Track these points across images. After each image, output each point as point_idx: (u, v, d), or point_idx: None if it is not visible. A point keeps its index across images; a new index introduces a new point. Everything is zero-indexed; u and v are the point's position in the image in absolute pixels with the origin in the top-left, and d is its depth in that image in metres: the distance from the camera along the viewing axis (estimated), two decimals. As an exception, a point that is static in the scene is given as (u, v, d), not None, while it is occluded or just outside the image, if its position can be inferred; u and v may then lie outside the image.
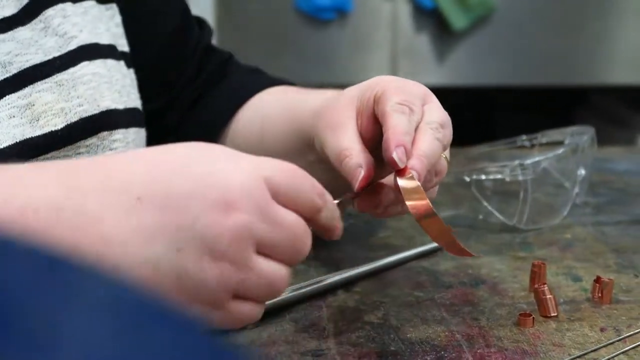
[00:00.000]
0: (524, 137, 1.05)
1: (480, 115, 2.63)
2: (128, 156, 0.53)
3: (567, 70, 2.35)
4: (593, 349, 0.65)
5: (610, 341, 0.66)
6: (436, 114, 0.67)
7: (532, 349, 0.65)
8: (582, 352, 0.65)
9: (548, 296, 0.71)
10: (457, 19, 2.28)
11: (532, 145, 1.05)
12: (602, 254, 0.84)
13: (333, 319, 0.69)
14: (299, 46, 2.32)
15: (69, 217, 0.49)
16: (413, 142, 0.65)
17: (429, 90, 0.70)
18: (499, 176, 0.90)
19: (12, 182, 0.50)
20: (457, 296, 0.74)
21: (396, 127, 0.64)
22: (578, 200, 0.97)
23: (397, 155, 0.63)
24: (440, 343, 0.66)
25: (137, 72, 0.86)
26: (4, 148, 0.69)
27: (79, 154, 0.75)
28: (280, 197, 0.53)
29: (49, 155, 0.72)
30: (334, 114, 0.69)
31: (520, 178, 0.89)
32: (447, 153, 0.70)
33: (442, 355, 0.64)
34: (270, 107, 0.86)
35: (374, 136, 0.68)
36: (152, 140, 0.87)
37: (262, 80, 0.92)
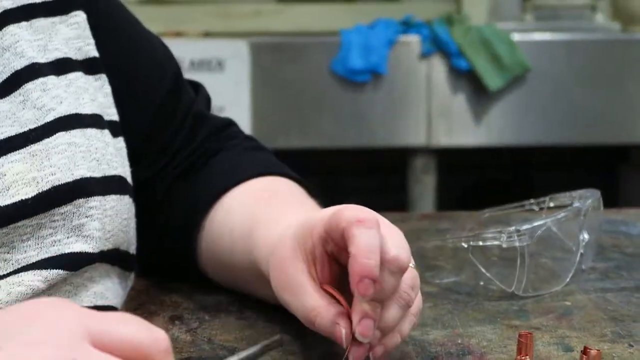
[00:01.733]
0: (532, 200, 1.04)
1: (518, 174, 2.61)
2: None
3: (605, 129, 2.32)
4: None
5: (590, 416, 0.64)
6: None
7: None
8: None
9: (530, 368, 0.69)
10: (493, 79, 2.27)
11: (541, 209, 1.03)
12: (599, 323, 0.81)
13: None
14: (335, 109, 2.33)
15: None
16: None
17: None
18: (496, 242, 0.88)
19: None
20: (440, 367, 0.73)
21: (361, 249, 0.62)
22: (584, 265, 0.95)
23: (359, 291, 0.62)
24: (414, 417, 0.65)
25: (127, 140, 0.87)
26: None
27: (54, 221, 0.75)
28: (99, 345, 0.50)
29: (19, 224, 0.73)
30: (284, 274, 0.69)
31: (517, 244, 0.87)
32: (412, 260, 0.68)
33: None
34: (236, 223, 0.85)
35: (337, 273, 0.68)
36: (141, 211, 0.87)
37: (248, 168, 0.90)
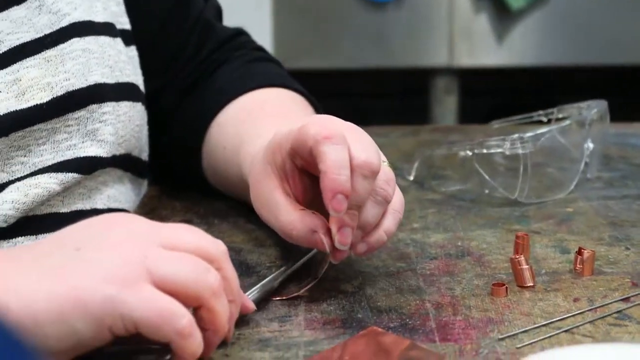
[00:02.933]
0: (540, 112, 1.04)
1: (540, 96, 2.60)
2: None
3: (628, 50, 2.30)
4: (559, 318, 0.65)
5: (579, 311, 0.66)
6: (362, 153, 0.65)
7: (498, 318, 0.65)
8: (547, 321, 0.65)
9: (524, 266, 0.71)
10: (515, 0, 2.25)
11: (549, 120, 1.04)
12: (598, 227, 0.83)
13: (309, 288, 0.70)
14: (356, 29, 2.32)
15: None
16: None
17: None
18: (499, 150, 0.90)
19: None
20: (438, 267, 0.75)
21: (330, 165, 0.63)
22: (590, 174, 0.96)
23: (333, 207, 0.63)
24: (408, 311, 0.67)
25: (138, 50, 0.88)
26: None
27: (69, 126, 0.78)
28: (168, 247, 0.58)
29: (34, 128, 0.75)
30: (260, 192, 0.70)
31: (520, 152, 0.88)
32: (383, 157, 0.68)
33: (407, 322, 0.65)
34: (228, 140, 0.86)
35: (310, 185, 0.69)
36: (150, 121, 0.89)
37: (247, 81, 0.91)
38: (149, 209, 0.91)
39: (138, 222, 0.60)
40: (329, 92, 2.64)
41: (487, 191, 0.93)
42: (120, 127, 0.82)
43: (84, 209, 0.80)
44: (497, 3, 2.29)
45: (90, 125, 0.78)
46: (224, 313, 0.58)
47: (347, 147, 0.64)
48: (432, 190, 0.95)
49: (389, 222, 0.68)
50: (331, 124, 0.66)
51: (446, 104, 2.40)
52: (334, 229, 0.65)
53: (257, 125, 0.83)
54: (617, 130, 1.12)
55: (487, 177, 0.91)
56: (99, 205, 0.82)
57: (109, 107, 0.80)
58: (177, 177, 0.96)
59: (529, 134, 0.88)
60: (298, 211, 0.68)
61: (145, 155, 0.91)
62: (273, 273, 0.71)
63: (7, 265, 0.56)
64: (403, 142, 1.14)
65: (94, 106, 0.79)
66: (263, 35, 2.25)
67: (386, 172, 0.67)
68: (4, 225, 0.73)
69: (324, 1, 2.32)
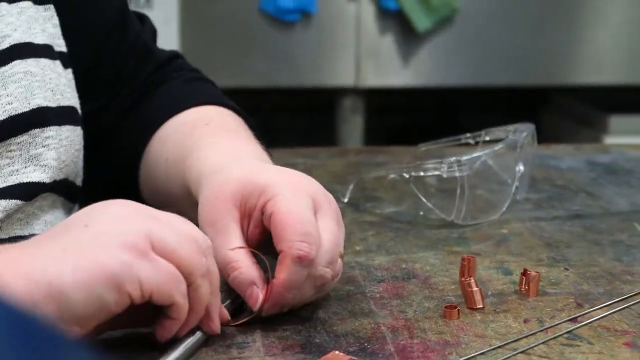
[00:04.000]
0: (468, 134, 1.07)
1: (444, 116, 2.65)
2: None
3: (530, 71, 2.37)
4: (513, 339, 0.66)
5: (532, 332, 0.68)
6: (327, 245, 0.68)
7: (454, 340, 0.66)
8: (503, 343, 0.66)
9: (474, 288, 0.72)
10: (421, 21, 2.29)
11: (476, 143, 1.06)
12: (535, 248, 0.85)
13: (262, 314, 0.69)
14: (264, 48, 2.33)
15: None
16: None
17: (316, 187, 0.72)
18: (436, 172, 0.91)
19: None
20: (387, 290, 0.75)
21: (286, 282, 0.67)
22: (519, 196, 0.99)
23: (268, 310, 0.68)
24: (365, 335, 0.67)
25: (75, 72, 0.86)
26: None
27: (10, 151, 0.76)
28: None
29: None
30: (215, 210, 0.71)
31: (457, 174, 0.90)
32: (341, 248, 0.71)
33: (365, 347, 0.65)
34: (170, 151, 0.86)
35: (261, 239, 0.70)
36: (87, 142, 0.87)
37: (187, 98, 0.90)
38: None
39: (135, 203, 0.64)
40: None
41: (421, 213, 0.94)
42: (63, 151, 0.80)
43: (23, 234, 0.78)
44: (404, 24, 2.33)
45: (32, 150, 0.77)
46: (205, 296, 0.63)
47: (309, 268, 0.67)
48: (368, 212, 0.96)
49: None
50: (309, 233, 0.67)
51: (352, 123, 2.43)
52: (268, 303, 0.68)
53: (204, 139, 0.82)
54: (538, 152, 1.15)
55: (424, 199, 0.92)
56: (37, 231, 0.80)
57: (52, 131, 0.78)
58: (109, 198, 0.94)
59: (465, 157, 0.90)
60: (248, 255, 0.69)
61: (79, 180, 0.89)
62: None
63: (29, 250, 0.60)
64: (332, 163, 1.15)
65: (37, 130, 0.77)
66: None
67: (339, 265, 0.70)
68: None
69: (232, 19, 2.32)
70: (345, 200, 0.99)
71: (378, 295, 0.74)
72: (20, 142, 0.76)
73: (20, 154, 0.76)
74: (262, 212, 0.70)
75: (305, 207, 0.69)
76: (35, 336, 0.29)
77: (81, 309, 0.58)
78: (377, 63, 2.37)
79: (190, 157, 0.81)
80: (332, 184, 1.03)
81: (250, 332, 0.67)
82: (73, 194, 0.88)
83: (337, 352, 0.63)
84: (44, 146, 0.77)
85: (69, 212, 0.89)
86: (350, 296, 0.74)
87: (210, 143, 0.82)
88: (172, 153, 0.85)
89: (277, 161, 1.15)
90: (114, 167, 0.92)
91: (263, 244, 0.71)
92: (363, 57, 2.37)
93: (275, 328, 0.68)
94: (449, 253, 0.84)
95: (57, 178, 0.80)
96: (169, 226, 0.62)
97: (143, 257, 0.59)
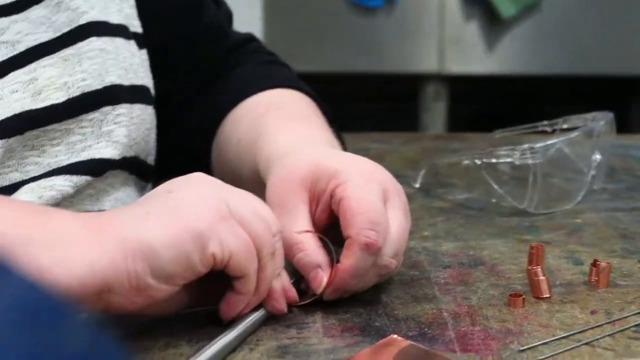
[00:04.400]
0: (545, 122, 1.04)
1: (528, 105, 2.61)
2: None
3: (619, 60, 2.31)
4: (579, 330, 0.65)
5: (598, 324, 0.66)
6: (394, 235, 0.68)
7: (517, 329, 0.65)
8: (567, 333, 0.64)
9: (540, 277, 0.70)
10: (505, 7, 2.26)
11: (553, 131, 1.03)
12: (609, 239, 0.83)
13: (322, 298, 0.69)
14: (346, 34, 2.32)
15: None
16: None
17: (387, 178, 0.71)
18: (508, 160, 0.89)
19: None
20: (452, 276, 0.74)
21: (352, 269, 0.66)
22: (595, 186, 0.96)
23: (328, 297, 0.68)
24: (426, 320, 0.66)
25: (149, 53, 0.87)
26: (4, 119, 0.71)
27: (82, 127, 0.77)
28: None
29: (49, 128, 0.74)
30: (284, 192, 0.71)
31: (530, 162, 0.88)
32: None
33: (425, 332, 0.64)
34: (242, 133, 0.86)
35: (327, 223, 0.70)
36: (158, 122, 0.88)
37: (261, 81, 0.90)
38: (154, 210, 0.90)
39: (213, 178, 0.66)
40: (318, 95, 2.64)
41: (494, 200, 0.93)
42: (133, 129, 0.81)
43: (93, 210, 0.79)
44: (488, 10, 2.30)
45: (104, 127, 0.77)
46: (270, 277, 0.64)
47: (375, 256, 0.66)
48: (439, 198, 0.95)
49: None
50: (378, 222, 0.67)
51: (434, 111, 2.41)
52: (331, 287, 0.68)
53: (275, 122, 0.82)
54: (619, 142, 1.12)
55: (495, 186, 0.91)
56: (106, 207, 0.81)
57: (123, 109, 0.79)
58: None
59: (539, 145, 0.88)
60: (314, 237, 0.69)
61: (151, 159, 0.90)
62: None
63: (114, 214, 0.62)
64: (406, 149, 1.14)
65: (108, 108, 0.78)
66: (253, 37, 2.24)
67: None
68: None
69: (315, 5, 2.32)
70: (417, 185, 0.98)
71: (443, 281, 0.73)
72: (92, 119, 0.77)
73: (92, 131, 0.77)
74: (331, 197, 0.69)
75: (376, 195, 0.68)
76: (47, 324, 0.29)
77: (170, 266, 0.59)
78: (461, 50, 2.35)
79: (261, 140, 0.81)
80: (405, 170, 1.02)
81: (311, 313, 0.67)
82: (144, 173, 0.89)
83: (395, 336, 0.62)
84: (115, 123, 0.78)
85: (141, 190, 0.90)
86: (414, 281, 0.73)
87: (281, 127, 0.82)
88: (244, 135, 0.86)
89: (350, 146, 1.15)
90: (186, 148, 0.93)
91: (328, 229, 0.70)
92: (447, 43, 2.35)
93: (336, 310, 0.67)
94: (519, 241, 0.82)
95: (127, 155, 0.81)
96: (245, 200, 0.63)
97: (225, 220, 0.60)
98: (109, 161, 0.78)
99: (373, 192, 0.68)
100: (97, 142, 0.78)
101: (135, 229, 0.59)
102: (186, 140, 0.93)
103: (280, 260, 0.65)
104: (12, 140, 0.72)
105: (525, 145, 0.88)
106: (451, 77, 2.37)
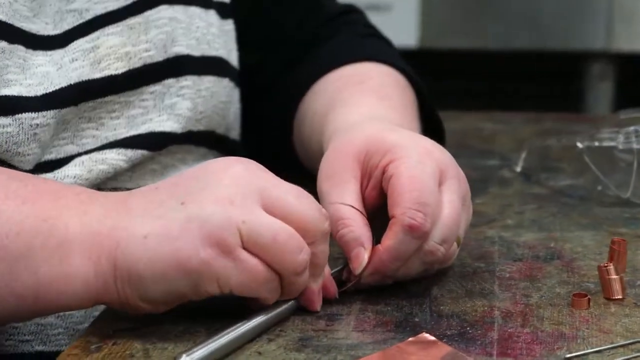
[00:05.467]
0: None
1: None
2: None
3: None
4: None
5: (669, 332, 0.58)
6: (445, 220, 0.62)
7: (572, 333, 0.58)
8: (627, 342, 0.57)
9: (613, 276, 0.63)
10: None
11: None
12: None
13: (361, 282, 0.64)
14: (507, 9, 2.22)
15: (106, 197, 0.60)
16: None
17: (447, 159, 0.65)
18: (612, 143, 0.81)
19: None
20: (521, 270, 0.67)
21: (392, 251, 0.61)
22: None
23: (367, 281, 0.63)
24: (473, 318, 0.60)
25: (237, 24, 0.84)
26: (58, 90, 0.70)
27: (144, 100, 0.75)
28: (270, 209, 0.57)
29: (107, 99, 0.72)
30: (336, 165, 0.66)
31: (635, 146, 0.79)
32: (463, 231, 0.65)
33: (466, 331, 0.58)
34: (319, 105, 0.81)
35: (377, 202, 0.65)
36: (244, 99, 0.85)
37: (350, 53, 0.85)
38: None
39: (249, 175, 0.58)
40: (476, 73, 2.55)
41: (600, 188, 0.84)
42: (200, 102, 0.78)
43: (153, 185, 0.77)
44: (663, -16, 2.14)
45: (167, 99, 0.75)
46: (301, 285, 0.59)
47: (420, 240, 0.61)
48: (539, 184, 0.88)
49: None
50: (428, 197, 0.62)
51: (601, 90, 2.27)
52: (369, 268, 0.62)
53: (353, 97, 0.78)
54: None
55: (597, 172, 0.83)
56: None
57: (188, 81, 0.76)
58: (267, 154, 0.92)
59: (646, 127, 0.79)
60: (363, 217, 0.64)
61: (234, 134, 0.87)
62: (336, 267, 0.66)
63: (119, 212, 0.58)
64: (522, 129, 1.06)
65: (171, 80, 0.75)
66: (410, 13, 2.18)
67: (453, 248, 0.64)
68: None
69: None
70: (518, 169, 0.91)
71: (507, 275, 0.67)
72: (154, 92, 0.75)
73: (155, 104, 0.75)
74: (383, 173, 0.64)
75: (430, 175, 0.63)
76: None
77: (161, 297, 0.57)
78: (631, 28, 2.20)
79: (331, 113, 0.77)
80: (512, 151, 0.95)
81: (348, 303, 0.62)
82: (229, 148, 0.87)
83: (426, 334, 0.57)
84: (178, 95, 0.76)
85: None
86: (476, 274, 0.67)
87: (356, 101, 0.77)
88: (319, 107, 0.81)
89: (464, 125, 1.09)
90: (272, 121, 0.90)
91: (377, 209, 0.65)
92: (616, 19, 2.21)
93: (378, 301, 0.62)
94: (610, 234, 0.74)
95: (194, 129, 0.78)
96: (272, 209, 0.57)
97: (227, 255, 0.55)
98: (170, 135, 0.76)
99: (427, 172, 0.63)
100: (159, 116, 0.75)
101: (130, 254, 0.56)
102: (272, 116, 0.89)
103: (323, 261, 0.60)
104: (65, 111, 0.70)
105: (631, 128, 0.80)
106: (620, 56, 2.23)
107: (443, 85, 1.84)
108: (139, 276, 0.56)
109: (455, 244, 0.64)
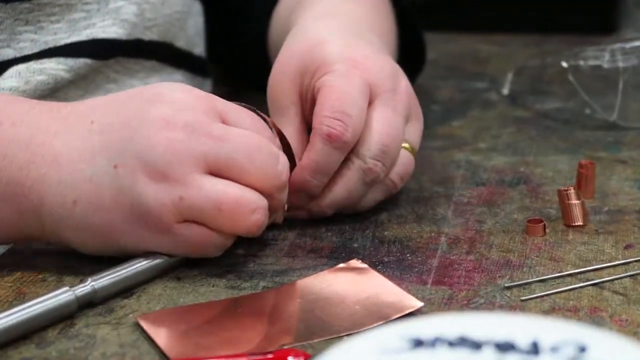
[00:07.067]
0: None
1: None
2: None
3: None
4: (593, 268, 0.52)
5: (625, 261, 0.53)
6: (377, 135, 0.58)
7: (518, 261, 0.54)
8: (576, 270, 0.52)
9: (573, 201, 0.58)
10: None
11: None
12: (701, 162, 0.68)
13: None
14: None
15: (24, 131, 0.54)
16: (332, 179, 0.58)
17: (384, 72, 0.60)
18: (597, 62, 0.75)
19: None
20: (480, 195, 0.63)
21: (311, 163, 0.57)
22: None
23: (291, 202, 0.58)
24: (416, 245, 0.56)
25: None
26: None
27: (87, 3, 0.69)
28: (216, 173, 0.52)
29: (44, 1, 0.66)
30: (276, 92, 0.62)
31: (621, 65, 0.74)
32: (414, 142, 0.60)
33: (405, 258, 0.54)
34: (288, 7, 0.76)
35: None
36: (214, 11, 0.80)
37: None
38: (202, 110, 0.83)
39: (188, 137, 0.52)
40: None
41: (588, 111, 0.79)
42: (148, 8, 0.73)
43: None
44: None
45: (112, 3, 0.70)
46: (282, 204, 0.55)
47: (339, 154, 0.57)
48: (524, 107, 0.82)
49: (370, 197, 0.60)
50: (347, 111, 0.57)
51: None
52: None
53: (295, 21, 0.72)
54: None
55: (582, 92, 0.77)
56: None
57: None
58: (242, 74, 0.88)
59: (633, 44, 0.73)
60: (302, 141, 0.60)
61: (198, 50, 0.83)
62: None
63: (45, 158, 0.53)
64: (520, 52, 1.00)
65: None
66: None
67: (402, 158, 0.59)
68: None
69: None
70: (505, 92, 0.86)
71: (465, 201, 0.62)
72: None
73: (98, 8, 0.70)
74: (314, 92, 0.60)
75: (354, 87, 0.58)
76: None
77: (91, 253, 0.54)
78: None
79: (292, 15, 0.72)
80: (504, 75, 0.89)
81: (290, 228, 0.58)
82: (195, 65, 0.82)
83: (357, 260, 0.53)
84: None
85: (196, 86, 0.84)
86: (432, 199, 0.62)
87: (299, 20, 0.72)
88: (284, 11, 0.76)
89: (460, 47, 1.03)
90: (245, 37, 0.85)
91: None
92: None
93: (318, 227, 0.58)
94: (588, 158, 0.68)
95: (144, 38, 0.73)
96: (234, 148, 0.53)
97: (163, 233, 0.51)
98: (115, 42, 0.71)
99: (353, 83, 0.58)
100: (103, 21, 0.71)
101: (58, 219, 0.52)
102: (245, 30, 0.84)
103: (279, 208, 0.55)
104: None
105: (617, 45, 0.74)
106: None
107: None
108: (68, 241, 0.53)
109: (410, 157, 0.60)
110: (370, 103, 0.58)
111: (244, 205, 0.51)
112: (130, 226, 0.51)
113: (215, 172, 0.52)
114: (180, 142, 0.51)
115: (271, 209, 0.54)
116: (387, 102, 0.58)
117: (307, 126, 0.61)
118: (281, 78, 0.62)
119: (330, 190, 0.58)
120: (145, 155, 0.51)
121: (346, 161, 0.57)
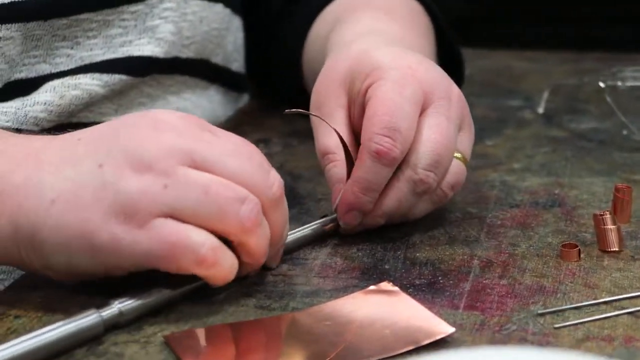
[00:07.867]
0: None
1: None
2: None
3: None
4: (630, 296, 0.51)
5: (661, 289, 0.52)
6: (430, 145, 0.57)
7: (552, 287, 0.53)
8: (612, 298, 0.51)
9: (609, 226, 0.57)
10: None
11: None
12: None
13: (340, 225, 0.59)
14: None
15: (6, 146, 0.53)
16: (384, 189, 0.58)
17: (436, 79, 0.59)
18: (635, 83, 0.74)
19: None
20: (514, 217, 0.62)
21: (361, 181, 0.57)
22: None
23: (345, 221, 0.58)
24: (448, 267, 0.55)
25: None
26: (17, 1, 0.65)
27: (124, 20, 0.70)
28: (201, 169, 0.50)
29: (82, 17, 0.68)
30: (323, 94, 0.61)
31: (660, 86, 0.73)
32: (466, 152, 0.60)
33: (437, 281, 0.54)
34: (326, 26, 0.76)
35: None
36: (253, 28, 0.80)
37: None
38: (235, 123, 0.83)
39: (175, 136, 0.50)
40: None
41: (625, 132, 0.78)
42: (186, 26, 0.73)
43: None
44: None
45: (149, 21, 0.71)
46: (257, 251, 0.51)
47: (388, 170, 0.56)
48: (559, 126, 0.81)
49: (421, 207, 0.59)
50: (398, 121, 0.56)
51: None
52: (342, 209, 0.58)
53: (356, 13, 0.73)
54: None
55: (619, 113, 0.76)
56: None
57: (172, 3, 0.72)
58: (276, 90, 0.87)
59: (672, 65, 0.72)
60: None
61: (236, 66, 0.83)
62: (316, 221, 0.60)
63: (27, 167, 0.51)
64: (555, 70, 0.99)
65: (154, 1, 0.71)
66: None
67: (454, 168, 0.59)
68: (36, 129, 0.67)
69: None
70: (540, 110, 0.85)
71: (498, 222, 0.61)
72: (135, 12, 0.70)
73: (135, 25, 0.70)
74: (365, 98, 0.59)
75: (406, 97, 0.57)
76: None
77: (65, 269, 0.50)
78: None
79: (332, 33, 0.72)
80: (539, 93, 0.88)
81: (320, 247, 0.58)
82: (232, 81, 0.83)
83: (388, 282, 0.52)
84: (161, 18, 0.71)
85: (232, 100, 0.84)
86: (465, 220, 0.62)
87: (357, 18, 0.72)
88: (323, 30, 0.77)
89: (494, 63, 1.03)
90: (282, 53, 0.85)
91: None
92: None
93: (350, 246, 0.58)
94: (624, 181, 0.68)
95: (182, 56, 0.74)
96: (203, 168, 0.50)
97: (140, 227, 0.48)
98: (151, 60, 0.71)
99: (404, 94, 0.57)
100: (139, 38, 0.71)
101: (34, 219, 0.49)
102: (281, 47, 0.84)
103: (280, 229, 0.53)
104: (32, 25, 0.66)
105: (656, 67, 0.73)
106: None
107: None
108: (42, 243, 0.50)
109: (462, 167, 0.59)
110: (423, 110, 0.58)
111: (233, 191, 0.49)
112: (106, 224, 0.48)
113: (203, 171, 0.50)
114: (169, 139, 0.50)
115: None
116: (440, 110, 0.58)
117: (354, 130, 0.60)
118: (329, 83, 0.62)
119: (381, 201, 0.57)
120: (131, 149, 0.49)
121: (397, 171, 0.57)
